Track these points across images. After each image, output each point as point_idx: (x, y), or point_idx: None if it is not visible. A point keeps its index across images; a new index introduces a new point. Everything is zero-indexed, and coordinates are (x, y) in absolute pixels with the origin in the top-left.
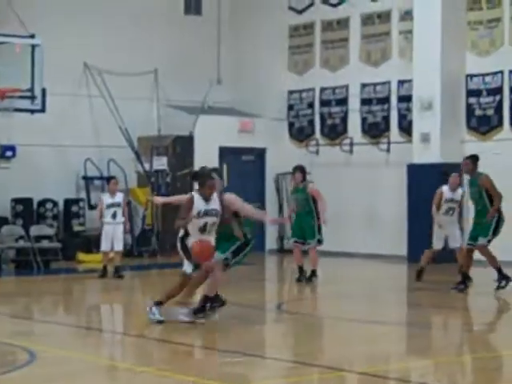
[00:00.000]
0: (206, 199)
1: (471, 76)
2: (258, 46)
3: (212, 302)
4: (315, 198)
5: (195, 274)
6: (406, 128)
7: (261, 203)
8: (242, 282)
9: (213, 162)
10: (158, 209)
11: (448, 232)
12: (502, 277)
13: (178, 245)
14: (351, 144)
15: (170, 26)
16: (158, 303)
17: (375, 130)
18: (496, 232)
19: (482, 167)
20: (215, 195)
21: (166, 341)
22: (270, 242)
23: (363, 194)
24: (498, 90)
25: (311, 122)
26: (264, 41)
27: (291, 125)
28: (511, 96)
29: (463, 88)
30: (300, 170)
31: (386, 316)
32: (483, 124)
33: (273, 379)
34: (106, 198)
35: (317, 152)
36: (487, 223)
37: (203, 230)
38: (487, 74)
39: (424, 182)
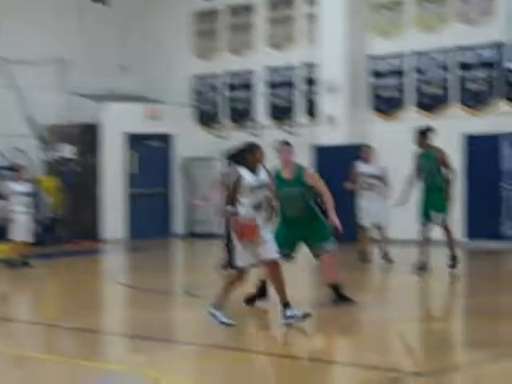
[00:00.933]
0: (253, 171)
1: (375, 57)
2: (164, 32)
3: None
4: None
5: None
6: (312, 110)
7: (168, 189)
8: (151, 267)
9: (120, 148)
10: (65, 197)
11: (371, 208)
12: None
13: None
14: (258, 127)
15: (78, 13)
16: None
17: (282, 113)
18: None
19: (387, 148)
20: (261, 167)
21: (71, 328)
22: (178, 226)
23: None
24: (402, 71)
25: (217, 107)
26: (169, 26)
27: (198, 110)
28: (414, 77)
29: (367, 70)
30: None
31: None
32: (387, 105)
33: (180, 362)
34: (15, 187)
35: (224, 136)
36: (443, 199)
37: (258, 206)
38: (390, 56)
39: (331, 163)
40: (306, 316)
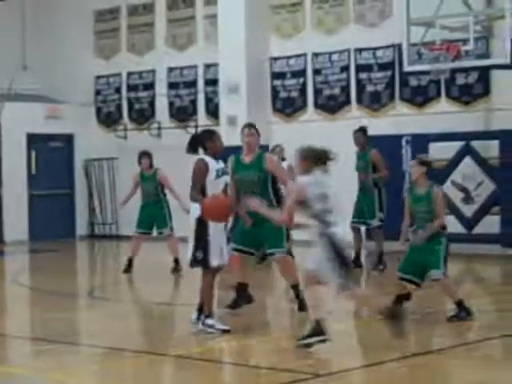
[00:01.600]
0: (215, 159)
1: (275, 59)
2: (64, 31)
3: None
4: (164, 185)
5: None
6: (213, 111)
7: (70, 189)
8: (54, 269)
9: (21, 149)
10: None
11: None
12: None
13: (194, 228)
14: (159, 128)
15: None
16: (207, 316)
17: (183, 114)
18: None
19: (287, 149)
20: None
21: None
22: (81, 227)
23: (173, 179)
24: (302, 73)
25: (119, 107)
26: (69, 26)
27: (99, 110)
28: (314, 78)
29: (268, 71)
30: (147, 155)
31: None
32: (288, 106)
33: (85, 365)
34: None
35: (125, 137)
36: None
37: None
38: (291, 57)
39: None
40: (224, 331)
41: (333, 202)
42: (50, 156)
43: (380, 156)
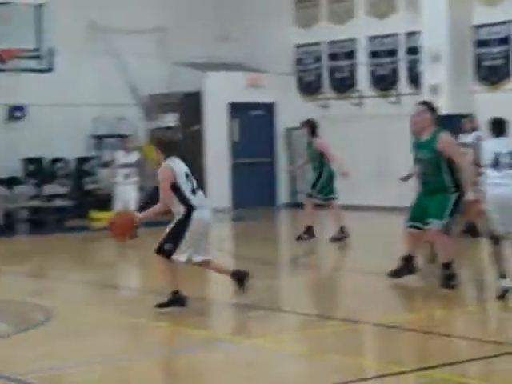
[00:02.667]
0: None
1: (479, 26)
2: (264, 1)
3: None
4: (324, 153)
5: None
6: (414, 80)
7: (271, 158)
8: (256, 237)
9: (222, 118)
10: None
11: None
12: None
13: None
14: (360, 97)
15: None
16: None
17: (384, 83)
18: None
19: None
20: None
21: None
22: (283, 196)
23: (373, 147)
24: (507, 40)
25: (319, 76)
26: None
27: (300, 79)
28: None
29: (471, 39)
30: (308, 124)
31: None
32: (492, 74)
33: (288, 332)
34: (120, 157)
35: (326, 106)
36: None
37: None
38: (495, 24)
39: None
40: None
41: None
42: (252, 125)
43: None
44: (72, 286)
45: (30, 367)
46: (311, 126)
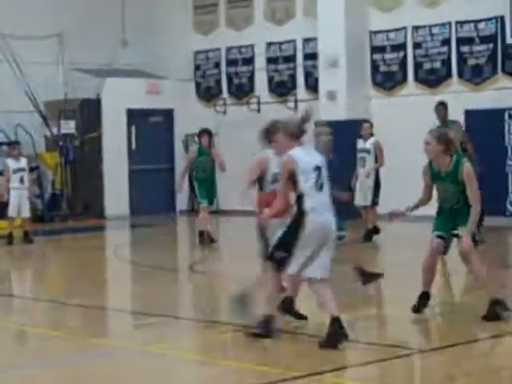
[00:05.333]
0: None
1: (375, 32)
2: (163, 7)
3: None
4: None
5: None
6: (312, 86)
7: (170, 164)
8: (155, 243)
9: (121, 124)
10: (67, 173)
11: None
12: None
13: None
14: (258, 103)
15: None
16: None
17: (282, 88)
18: None
19: (387, 124)
20: None
21: (78, 305)
22: (181, 202)
23: None
24: (402, 46)
25: (218, 82)
26: (169, 2)
27: (198, 85)
28: (414, 52)
29: (368, 45)
30: (207, 132)
31: None
32: (388, 80)
33: (185, 337)
34: (12, 163)
35: (224, 112)
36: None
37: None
38: (391, 31)
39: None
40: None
41: None
42: (150, 131)
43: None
44: None
45: None
46: (209, 135)
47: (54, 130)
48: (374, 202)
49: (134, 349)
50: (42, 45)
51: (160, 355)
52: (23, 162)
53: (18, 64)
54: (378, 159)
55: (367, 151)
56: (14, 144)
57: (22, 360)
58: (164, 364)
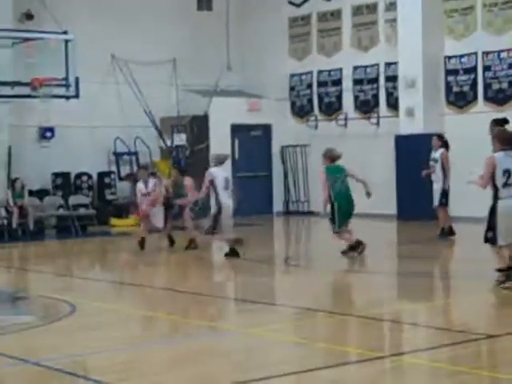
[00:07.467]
0: None
1: (449, 57)
2: (263, 36)
3: None
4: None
5: None
6: (393, 104)
7: (268, 172)
8: (257, 239)
9: (226, 137)
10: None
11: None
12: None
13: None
14: (345, 119)
15: (185, 20)
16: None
17: (366, 107)
18: None
19: (459, 138)
20: None
21: (188, 292)
22: (277, 205)
23: (357, 163)
24: (473, 70)
25: (310, 101)
26: (268, 31)
27: (293, 103)
28: (484, 74)
29: (442, 68)
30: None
31: (381, 267)
32: (460, 99)
33: (281, 323)
34: (141, 188)
35: (316, 127)
36: None
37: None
38: (463, 55)
39: (409, 150)
40: None
41: None
42: (251, 143)
43: None
44: (93, 284)
45: (55, 354)
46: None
47: (168, 142)
48: (441, 203)
49: (235, 330)
50: (158, 69)
51: (258, 336)
52: (150, 185)
53: (137, 85)
54: (445, 167)
55: (435, 160)
56: (140, 169)
57: (137, 340)
58: (262, 344)
